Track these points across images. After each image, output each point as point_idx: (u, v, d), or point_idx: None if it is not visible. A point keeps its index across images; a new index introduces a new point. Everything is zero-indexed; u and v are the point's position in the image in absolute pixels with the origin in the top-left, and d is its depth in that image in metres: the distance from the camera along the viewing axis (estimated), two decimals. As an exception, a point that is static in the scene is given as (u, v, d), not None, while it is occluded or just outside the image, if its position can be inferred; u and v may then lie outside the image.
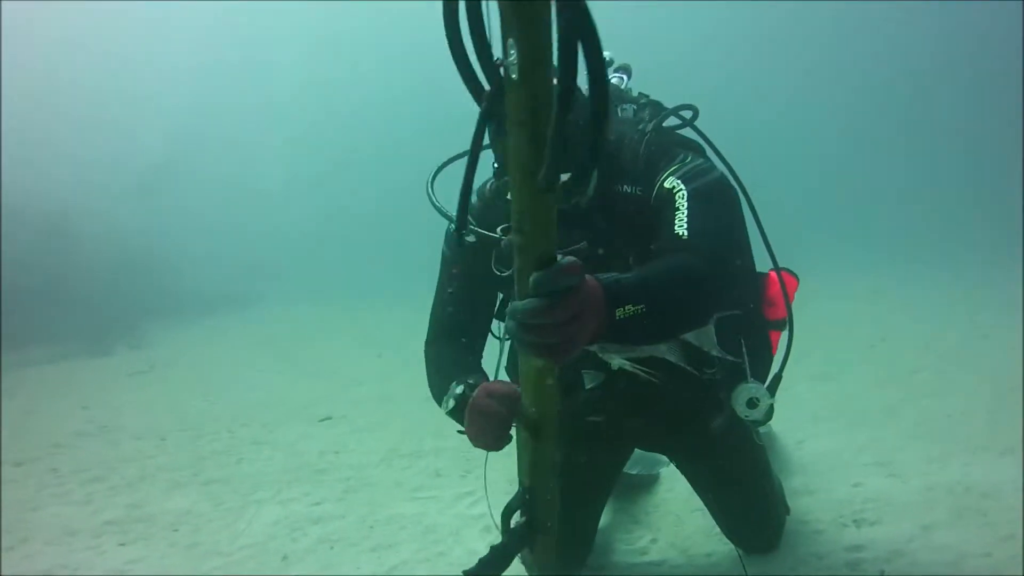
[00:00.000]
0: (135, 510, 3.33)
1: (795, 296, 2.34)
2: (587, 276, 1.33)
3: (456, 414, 1.87)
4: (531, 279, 1.10)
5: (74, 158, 12.99)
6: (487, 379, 1.94)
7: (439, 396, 1.99)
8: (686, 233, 1.75)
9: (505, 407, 1.69)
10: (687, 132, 2.15)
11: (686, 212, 1.78)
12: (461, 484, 3.54)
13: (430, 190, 2.09)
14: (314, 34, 22.56)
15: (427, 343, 2.25)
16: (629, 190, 1.93)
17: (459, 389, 1.88)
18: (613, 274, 1.45)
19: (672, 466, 3.36)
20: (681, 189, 1.84)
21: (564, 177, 1.53)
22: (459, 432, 1.87)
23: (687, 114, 2.09)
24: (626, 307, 1.40)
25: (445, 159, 2.25)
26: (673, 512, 3.01)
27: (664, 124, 2.08)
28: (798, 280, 2.37)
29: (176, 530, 3.08)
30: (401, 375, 6.30)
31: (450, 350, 2.19)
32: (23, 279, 8.82)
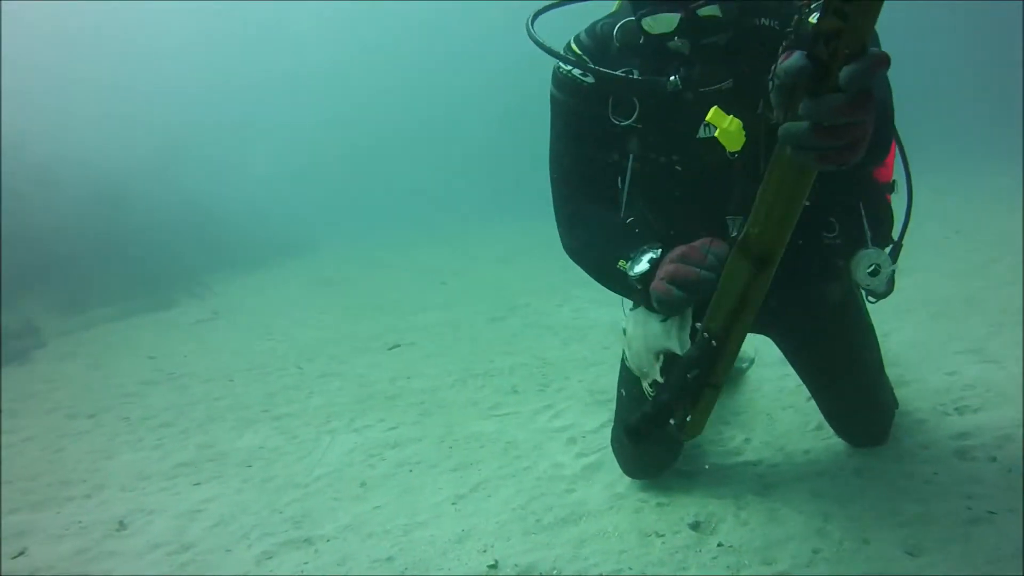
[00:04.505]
0: (207, 450, 3.22)
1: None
2: None
3: (644, 279, 1.66)
4: (844, 72, 0.98)
5: (115, 119, 12.91)
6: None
7: (604, 260, 1.79)
8: None
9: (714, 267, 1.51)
10: None
11: None
12: (539, 398, 3.36)
13: (530, 27, 1.85)
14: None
15: (559, 203, 2.01)
16: (767, 23, 1.69)
17: (654, 253, 1.67)
18: None
19: (753, 368, 3.15)
20: None
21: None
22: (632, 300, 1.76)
23: None
24: None
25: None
26: (763, 411, 2.79)
27: None
28: None
29: (250, 466, 2.95)
30: (465, 300, 6.20)
31: (595, 207, 1.94)
32: (80, 244, 8.83)
